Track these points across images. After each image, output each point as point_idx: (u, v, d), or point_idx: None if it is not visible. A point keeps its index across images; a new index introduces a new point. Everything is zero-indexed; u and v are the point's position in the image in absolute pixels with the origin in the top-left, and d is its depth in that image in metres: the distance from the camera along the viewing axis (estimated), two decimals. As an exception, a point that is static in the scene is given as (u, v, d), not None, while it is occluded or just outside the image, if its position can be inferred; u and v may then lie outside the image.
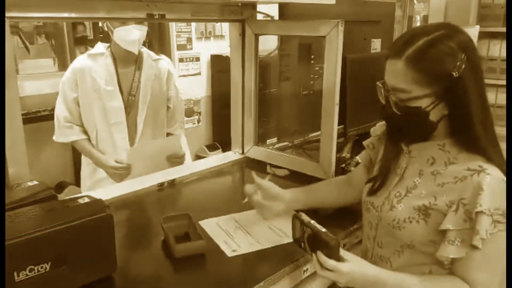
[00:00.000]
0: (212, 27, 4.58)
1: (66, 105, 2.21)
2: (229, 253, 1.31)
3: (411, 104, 1.11)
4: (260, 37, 2.01)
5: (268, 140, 2.37)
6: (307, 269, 1.32)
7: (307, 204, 1.46)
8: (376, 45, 2.39)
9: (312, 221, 1.17)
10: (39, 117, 3.25)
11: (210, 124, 4.86)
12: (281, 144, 2.27)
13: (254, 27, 1.98)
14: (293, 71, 2.41)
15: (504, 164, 1.12)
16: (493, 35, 3.51)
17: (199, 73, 4.62)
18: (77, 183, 2.51)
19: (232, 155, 2.21)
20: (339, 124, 1.80)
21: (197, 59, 4.57)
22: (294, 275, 1.28)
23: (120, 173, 2.12)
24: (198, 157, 4.46)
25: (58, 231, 1.02)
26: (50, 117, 2.39)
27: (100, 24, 3.31)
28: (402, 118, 1.14)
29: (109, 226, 1.12)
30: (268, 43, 2.24)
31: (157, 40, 4.38)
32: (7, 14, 1.25)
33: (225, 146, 3.12)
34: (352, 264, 1.11)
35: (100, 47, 2.26)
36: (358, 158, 1.48)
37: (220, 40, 4.68)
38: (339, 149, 2.01)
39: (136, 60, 2.27)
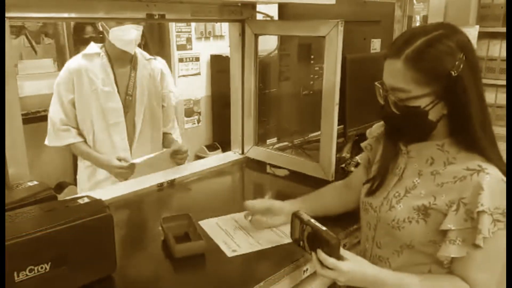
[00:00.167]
0: (212, 27, 4.58)
1: (62, 107, 2.17)
2: (229, 253, 1.31)
3: (410, 104, 1.12)
4: (260, 37, 2.01)
5: (268, 140, 2.37)
6: (307, 269, 1.32)
7: (308, 213, 1.45)
8: (375, 45, 2.39)
9: (312, 220, 1.18)
10: (39, 117, 3.24)
11: (210, 124, 4.86)
12: (281, 144, 2.27)
13: (254, 27, 1.98)
14: (293, 71, 2.41)
15: (502, 164, 1.13)
16: (493, 35, 3.51)
17: (198, 73, 4.62)
18: (77, 183, 2.50)
19: (232, 155, 2.21)
20: (339, 124, 1.80)
21: (197, 59, 4.57)
22: (294, 275, 1.28)
23: (125, 172, 2.10)
24: (198, 157, 4.47)
25: (58, 231, 1.02)
26: (49, 117, 2.37)
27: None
28: (401, 118, 1.15)
29: (109, 226, 1.12)
30: (268, 43, 2.24)
31: (157, 40, 4.39)
32: (6, 15, 1.25)
33: (225, 146, 3.12)
34: (352, 263, 1.11)
35: (94, 47, 2.23)
36: (358, 158, 1.48)
37: (220, 40, 4.68)
38: (339, 149, 2.01)
39: (131, 60, 2.26)
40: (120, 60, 2.22)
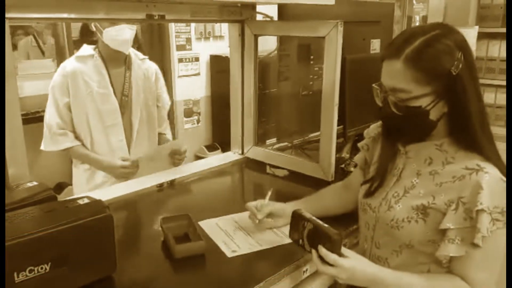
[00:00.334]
0: (212, 28, 4.58)
1: (57, 111, 2.14)
2: (229, 254, 1.31)
3: (411, 104, 1.12)
4: (260, 38, 2.01)
5: (267, 141, 2.37)
6: (306, 270, 1.32)
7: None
8: (375, 45, 2.40)
9: (314, 217, 1.18)
10: (38, 118, 3.23)
11: (209, 125, 4.85)
12: (280, 145, 2.27)
13: (254, 28, 1.98)
14: (292, 72, 2.41)
15: (501, 163, 1.13)
16: (492, 36, 3.51)
17: (198, 74, 4.61)
18: (73, 188, 2.48)
19: (232, 156, 2.21)
20: (338, 125, 1.80)
21: (197, 59, 4.56)
22: (294, 275, 1.28)
23: (129, 171, 2.08)
24: (197, 157, 4.46)
25: (58, 232, 1.02)
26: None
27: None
28: (402, 118, 1.15)
29: (109, 226, 1.12)
30: (268, 44, 2.24)
31: (156, 41, 4.39)
32: (6, 15, 1.25)
33: (225, 146, 3.12)
34: (353, 261, 1.11)
35: (87, 48, 2.21)
36: (355, 159, 1.49)
37: (220, 40, 4.68)
38: (339, 149, 2.02)
39: (125, 60, 2.24)
40: (114, 61, 2.21)
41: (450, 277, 1.13)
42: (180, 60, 4.42)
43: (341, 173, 1.88)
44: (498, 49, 3.51)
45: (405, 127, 1.19)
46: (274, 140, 2.39)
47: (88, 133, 2.19)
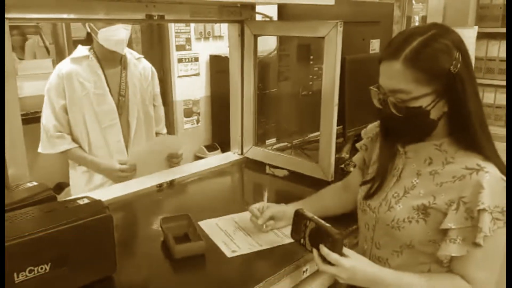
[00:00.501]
0: (211, 28, 4.58)
1: (53, 113, 2.13)
2: (229, 254, 1.31)
3: (412, 105, 1.12)
4: (260, 38, 2.01)
5: (267, 141, 2.37)
6: (306, 270, 1.32)
7: None
8: (375, 45, 2.39)
9: (316, 217, 1.18)
10: (38, 118, 3.22)
11: (209, 125, 4.85)
12: (280, 145, 2.27)
13: (253, 28, 1.98)
14: (292, 72, 2.41)
15: (500, 162, 1.14)
16: (492, 36, 3.51)
17: (198, 74, 4.61)
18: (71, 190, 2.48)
19: (232, 156, 2.22)
20: (338, 125, 1.80)
21: (196, 59, 4.56)
22: (294, 275, 1.28)
23: (126, 175, 2.07)
24: (197, 157, 4.46)
25: (58, 232, 1.02)
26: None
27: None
28: (403, 119, 1.15)
29: (109, 226, 1.12)
30: (268, 44, 2.24)
31: (156, 41, 4.39)
32: (6, 15, 1.25)
33: (224, 146, 3.12)
34: (354, 261, 1.11)
35: (82, 49, 2.20)
36: (353, 160, 1.49)
37: (219, 40, 4.68)
38: (338, 149, 2.02)
39: (121, 60, 2.24)
40: (110, 61, 2.20)
41: (450, 276, 1.13)
42: (180, 60, 4.42)
43: (341, 173, 1.88)
44: (498, 49, 3.51)
45: (406, 128, 1.19)
46: (273, 140, 2.39)
47: (86, 135, 2.18)
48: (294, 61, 2.39)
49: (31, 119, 3.17)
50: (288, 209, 1.44)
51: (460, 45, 1.12)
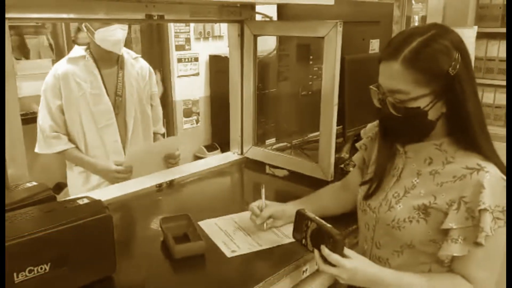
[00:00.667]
0: (211, 28, 4.58)
1: (50, 114, 2.13)
2: (228, 254, 1.31)
3: (410, 105, 1.12)
4: (259, 38, 2.01)
5: (267, 141, 2.37)
6: (306, 270, 1.32)
7: None
8: (374, 45, 2.39)
9: (317, 217, 1.18)
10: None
11: (208, 125, 4.85)
12: (280, 145, 2.27)
13: (253, 28, 1.98)
14: (292, 72, 2.41)
15: (500, 161, 1.14)
16: (491, 36, 3.51)
17: (197, 74, 4.61)
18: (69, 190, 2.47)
19: (231, 156, 2.21)
20: (337, 125, 1.80)
21: (196, 59, 4.56)
22: (293, 275, 1.28)
23: (123, 176, 2.07)
24: (196, 157, 4.46)
25: (57, 232, 1.02)
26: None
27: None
28: (401, 119, 1.15)
29: (109, 226, 1.12)
30: (267, 44, 2.24)
31: (156, 41, 4.39)
32: (6, 15, 1.25)
33: (224, 146, 3.12)
34: (355, 261, 1.11)
35: (79, 50, 2.20)
36: (353, 159, 1.49)
37: (219, 40, 4.68)
38: (338, 149, 2.02)
39: (118, 60, 2.24)
40: (107, 61, 2.20)
41: (451, 276, 1.13)
42: (179, 60, 4.43)
43: (340, 173, 1.88)
44: (497, 49, 3.51)
45: (404, 128, 1.19)
46: (273, 140, 2.39)
47: (82, 135, 2.18)
48: (293, 61, 2.39)
49: (30, 119, 3.17)
50: (287, 208, 1.43)
51: (459, 45, 1.12)
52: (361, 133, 1.48)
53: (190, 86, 4.56)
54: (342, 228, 1.44)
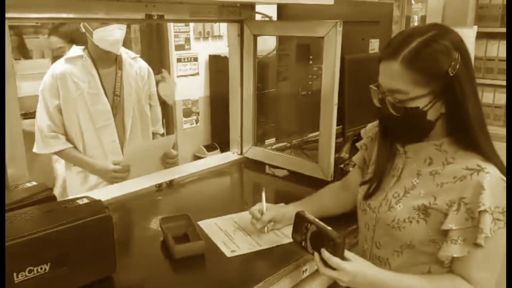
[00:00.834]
0: (210, 27, 4.58)
1: (48, 114, 2.13)
2: (228, 254, 1.31)
3: (409, 105, 1.12)
4: (259, 38, 2.01)
5: (266, 141, 2.37)
6: (306, 269, 1.32)
7: None
8: (374, 45, 2.39)
9: (317, 219, 1.18)
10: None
11: (208, 125, 4.85)
12: (279, 145, 2.27)
13: (253, 28, 1.98)
14: (291, 72, 2.41)
15: (500, 162, 1.14)
16: (491, 36, 3.51)
17: (197, 73, 4.61)
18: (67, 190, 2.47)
19: (231, 156, 2.21)
20: (337, 124, 1.80)
21: (195, 59, 4.56)
22: (293, 275, 1.28)
23: (121, 176, 2.07)
24: (196, 157, 4.46)
25: (57, 232, 1.02)
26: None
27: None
28: (400, 119, 1.15)
29: (109, 226, 1.12)
30: (267, 43, 2.24)
31: (155, 41, 4.38)
32: (6, 15, 1.25)
33: (224, 146, 3.12)
34: (355, 264, 1.11)
35: (77, 50, 2.20)
36: (353, 159, 1.50)
37: (218, 40, 4.68)
38: (338, 149, 2.02)
39: (116, 60, 2.23)
40: (105, 61, 2.19)
41: (451, 277, 1.13)
42: (179, 60, 4.42)
43: (340, 173, 1.88)
44: (497, 49, 3.51)
45: (403, 128, 1.19)
46: (273, 140, 2.39)
47: (80, 135, 2.18)
48: (293, 61, 2.38)
49: (30, 119, 3.17)
50: (287, 211, 1.43)
51: (459, 45, 1.11)
52: (361, 133, 1.48)
53: (190, 86, 4.56)
54: (342, 228, 1.44)
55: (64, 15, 1.48)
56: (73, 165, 2.26)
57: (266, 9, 2.05)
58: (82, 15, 1.51)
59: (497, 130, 3.10)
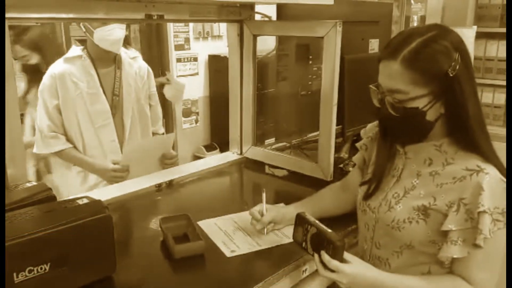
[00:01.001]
0: (210, 27, 4.58)
1: (47, 114, 2.13)
2: (228, 254, 1.31)
3: (408, 105, 1.12)
4: (259, 37, 2.01)
5: (266, 141, 2.37)
6: (306, 269, 1.32)
7: None
8: (374, 45, 2.39)
9: (317, 221, 1.18)
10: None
11: (208, 124, 4.85)
12: (279, 145, 2.27)
13: (252, 28, 1.98)
14: (291, 72, 2.41)
15: (500, 162, 1.14)
16: (490, 36, 3.51)
17: (196, 73, 4.61)
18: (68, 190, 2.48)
19: (231, 156, 2.21)
20: (337, 124, 1.80)
21: (195, 59, 4.56)
22: (293, 275, 1.28)
23: (120, 175, 2.06)
24: (196, 157, 4.46)
25: (57, 232, 1.02)
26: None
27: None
28: (399, 119, 1.15)
29: (109, 226, 1.12)
30: (267, 43, 2.24)
31: (155, 40, 4.38)
32: (6, 15, 1.25)
33: (223, 146, 3.12)
34: (354, 266, 1.12)
35: (76, 49, 2.20)
36: (353, 159, 1.50)
37: (218, 40, 4.68)
38: (337, 149, 2.02)
39: (115, 59, 2.23)
40: (104, 61, 2.19)
41: (451, 278, 1.13)
42: (179, 60, 4.43)
43: (340, 173, 1.88)
44: (496, 49, 3.51)
45: (402, 128, 1.19)
46: (272, 140, 2.39)
47: (79, 135, 2.18)
48: (293, 61, 2.38)
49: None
50: (288, 212, 1.43)
51: (459, 46, 1.11)
52: (361, 133, 1.48)
53: (189, 86, 4.53)
54: (342, 228, 1.44)
55: (64, 15, 1.48)
56: (73, 165, 2.26)
57: (266, 9, 2.05)
58: (82, 15, 1.51)
59: (497, 130, 3.10)
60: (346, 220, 1.47)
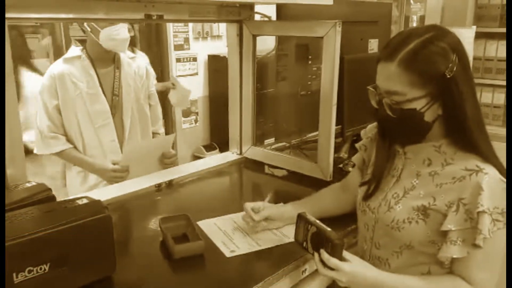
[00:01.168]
0: (209, 27, 4.58)
1: (47, 114, 2.13)
2: (228, 254, 1.31)
3: (406, 107, 1.12)
4: (258, 37, 2.01)
5: (266, 141, 2.37)
6: (305, 269, 1.32)
7: None
8: (373, 45, 2.40)
9: (318, 221, 1.19)
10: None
11: (207, 124, 4.85)
12: (279, 145, 2.27)
13: (252, 28, 1.99)
14: (290, 72, 2.41)
15: (499, 162, 1.14)
16: (490, 36, 3.51)
17: (196, 73, 4.61)
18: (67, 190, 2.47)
19: (230, 156, 2.22)
20: (336, 124, 1.80)
21: (194, 59, 4.56)
22: (293, 275, 1.28)
23: (120, 175, 2.07)
24: (195, 157, 4.46)
25: (57, 232, 1.02)
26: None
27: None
28: (397, 121, 1.15)
29: (108, 227, 1.12)
30: (266, 44, 2.24)
31: (154, 40, 4.38)
32: (6, 15, 1.25)
33: (223, 146, 3.12)
34: (353, 265, 1.12)
35: (75, 50, 2.20)
36: (352, 160, 1.50)
37: (217, 40, 4.68)
38: (337, 149, 2.02)
39: (114, 59, 2.23)
40: (103, 61, 2.20)
41: (451, 278, 1.13)
42: (178, 60, 4.42)
43: (339, 173, 1.88)
44: (496, 49, 3.52)
45: (400, 129, 1.19)
46: (272, 140, 2.39)
47: (79, 135, 2.18)
48: (292, 61, 2.38)
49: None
50: (286, 210, 1.44)
51: (457, 47, 1.11)
52: (361, 133, 1.48)
53: (189, 86, 4.54)
54: (341, 228, 1.44)
55: (64, 15, 1.48)
56: (73, 165, 2.26)
57: (265, 9, 2.05)
58: (82, 15, 1.51)
59: (496, 130, 3.10)
60: (345, 220, 1.47)
